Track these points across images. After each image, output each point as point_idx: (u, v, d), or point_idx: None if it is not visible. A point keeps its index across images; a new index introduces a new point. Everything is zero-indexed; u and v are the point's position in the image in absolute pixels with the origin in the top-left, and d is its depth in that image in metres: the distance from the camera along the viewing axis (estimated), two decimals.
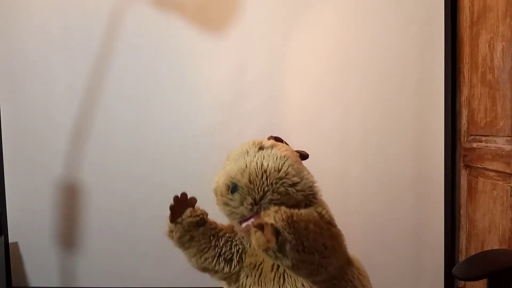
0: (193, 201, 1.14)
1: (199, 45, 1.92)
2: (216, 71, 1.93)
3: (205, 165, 1.88)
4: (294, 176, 1.04)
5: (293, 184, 1.03)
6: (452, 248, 1.90)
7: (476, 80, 1.70)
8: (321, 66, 1.92)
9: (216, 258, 1.11)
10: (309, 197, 1.07)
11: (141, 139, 1.96)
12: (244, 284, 1.11)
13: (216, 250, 1.11)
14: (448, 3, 1.85)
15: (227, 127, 1.93)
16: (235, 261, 1.12)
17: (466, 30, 1.77)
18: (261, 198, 1.01)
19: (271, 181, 1.01)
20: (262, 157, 1.05)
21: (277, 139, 1.18)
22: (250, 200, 1.02)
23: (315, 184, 1.09)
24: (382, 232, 1.92)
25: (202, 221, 1.12)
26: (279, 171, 1.03)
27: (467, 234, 1.79)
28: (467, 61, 1.78)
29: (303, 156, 1.17)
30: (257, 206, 1.02)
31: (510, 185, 1.47)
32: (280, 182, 1.02)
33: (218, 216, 1.17)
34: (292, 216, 0.91)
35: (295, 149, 1.17)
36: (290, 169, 1.04)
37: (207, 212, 1.18)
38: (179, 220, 1.11)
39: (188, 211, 1.11)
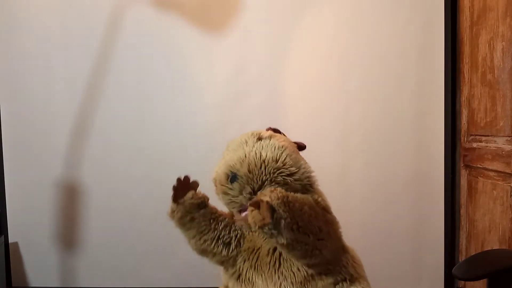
0: (195, 184, 1.17)
1: (199, 44, 1.92)
2: (216, 70, 1.93)
3: (205, 164, 1.86)
4: (291, 166, 1.06)
5: (291, 174, 1.05)
6: (452, 248, 1.90)
7: (476, 80, 1.70)
8: (321, 66, 1.92)
9: (215, 241, 1.13)
10: (306, 186, 1.09)
11: (141, 138, 1.96)
12: (241, 268, 1.13)
13: (216, 233, 1.13)
14: (448, 3, 1.85)
15: (227, 126, 1.93)
16: (233, 245, 1.14)
17: (466, 30, 1.77)
18: (260, 187, 1.03)
19: (269, 170, 1.03)
20: (261, 147, 1.07)
21: (275, 131, 1.19)
22: (249, 189, 1.04)
23: (312, 174, 1.11)
24: (382, 232, 1.92)
25: (203, 204, 1.15)
26: (277, 161, 1.05)
27: (467, 234, 1.79)
28: (467, 61, 1.78)
29: (301, 147, 1.19)
30: (255, 195, 1.03)
31: (510, 185, 1.47)
32: (278, 171, 1.04)
33: (218, 205, 1.19)
34: (287, 196, 0.95)
35: (293, 141, 1.19)
36: (288, 159, 1.06)
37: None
38: (181, 201, 1.13)
39: (190, 193, 1.13)
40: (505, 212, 1.49)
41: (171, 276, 1.97)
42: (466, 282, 1.76)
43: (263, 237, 1.11)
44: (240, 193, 1.05)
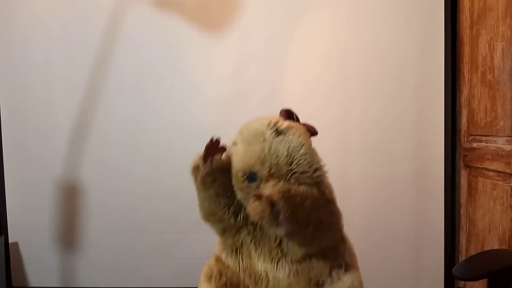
0: (223, 149, 1.19)
1: (199, 44, 1.92)
2: (216, 70, 1.93)
3: None
4: (307, 164, 1.09)
5: (304, 172, 1.09)
6: (452, 248, 1.89)
7: (476, 80, 1.70)
8: (321, 66, 1.91)
9: (227, 207, 1.16)
10: (316, 179, 1.11)
11: (141, 138, 1.96)
12: (242, 241, 1.18)
13: (230, 200, 1.16)
14: (448, 3, 1.85)
15: (227, 126, 1.90)
16: (241, 216, 1.17)
17: (466, 30, 1.77)
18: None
19: (284, 171, 1.07)
20: (280, 145, 1.09)
21: (289, 114, 1.21)
22: None
23: (324, 170, 1.14)
24: (382, 232, 1.92)
25: (227, 169, 1.16)
26: (291, 163, 1.08)
27: (467, 234, 1.79)
28: (467, 61, 1.78)
29: (312, 133, 1.22)
30: None
31: (510, 185, 1.47)
32: (292, 173, 1.07)
33: None
34: (289, 190, 1.00)
35: (304, 123, 1.22)
36: (302, 159, 1.09)
37: None
38: (209, 160, 1.15)
39: (219, 155, 1.16)
40: (505, 212, 1.49)
41: (171, 276, 1.97)
42: (466, 282, 1.76)
43: None
44: None
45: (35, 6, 1.93)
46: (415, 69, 1.89)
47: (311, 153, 1.13)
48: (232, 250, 1.19)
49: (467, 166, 1.79)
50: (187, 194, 1.88)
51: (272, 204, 0.96)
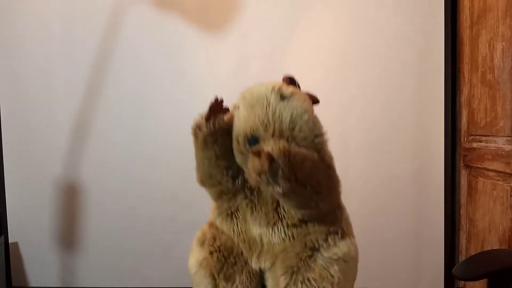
0: (226, 111, 1.17)
1: (199, 44, 1.92)
2: (216, 70, 1.93)
3: None
4: (308, 130, 1.08)
5: (305, 138, 1.08)
6: (452, 248, 1.89)
7: (476, 80, 1.70)
8: (321, 66, 1.91)
9: (225, 170, 1.14)
10: (317, 146, 1.11)
11: (140, 138, 1.96)
12: (240, 206, 1.16)
13: (229, 163, 1.14)
14: (448, 3, 1.85)
15: None
16: (238, 181, 1.15)
17: (466, 30, 1.77)
18: None
19: (287, 135, 1.06)
20: (284, 110, 1.07)
21: (292, 81, 1.20)
22: None
23: (325, 137, 1.14)
24: (382, 232, 1.92)
25: (229, 131, 1.15)
26: (293, 129, 1.07)
27: (467, 234, 1.79)
28: (467, 61, 1.78)
29: (314, 101, 1.22)
30: None
31: (510, 185, 1.47)
32: (293, 138, 1.06)
33: None
34: (289, 149, 0.99)
35: (307, 92, 1.21)
36: (306, 125, 1.08)
37: None
38: (211, 120, 1.14)
39: (223, 116, 1.15)
40: (505, 212, 1.49)
41: (171, 276, 1.97)
42: (466, 282, 1.76)
43: None
44: None
45: (36, 6, 1.93)
46: (415, 69, 1.89)
47: (314, 120, 1.12)
48: (227, 215, 1.18)
49: (467, 166, 1.79)
50: (187, 194, 1.90)
51: (271, 160, 0.95)
